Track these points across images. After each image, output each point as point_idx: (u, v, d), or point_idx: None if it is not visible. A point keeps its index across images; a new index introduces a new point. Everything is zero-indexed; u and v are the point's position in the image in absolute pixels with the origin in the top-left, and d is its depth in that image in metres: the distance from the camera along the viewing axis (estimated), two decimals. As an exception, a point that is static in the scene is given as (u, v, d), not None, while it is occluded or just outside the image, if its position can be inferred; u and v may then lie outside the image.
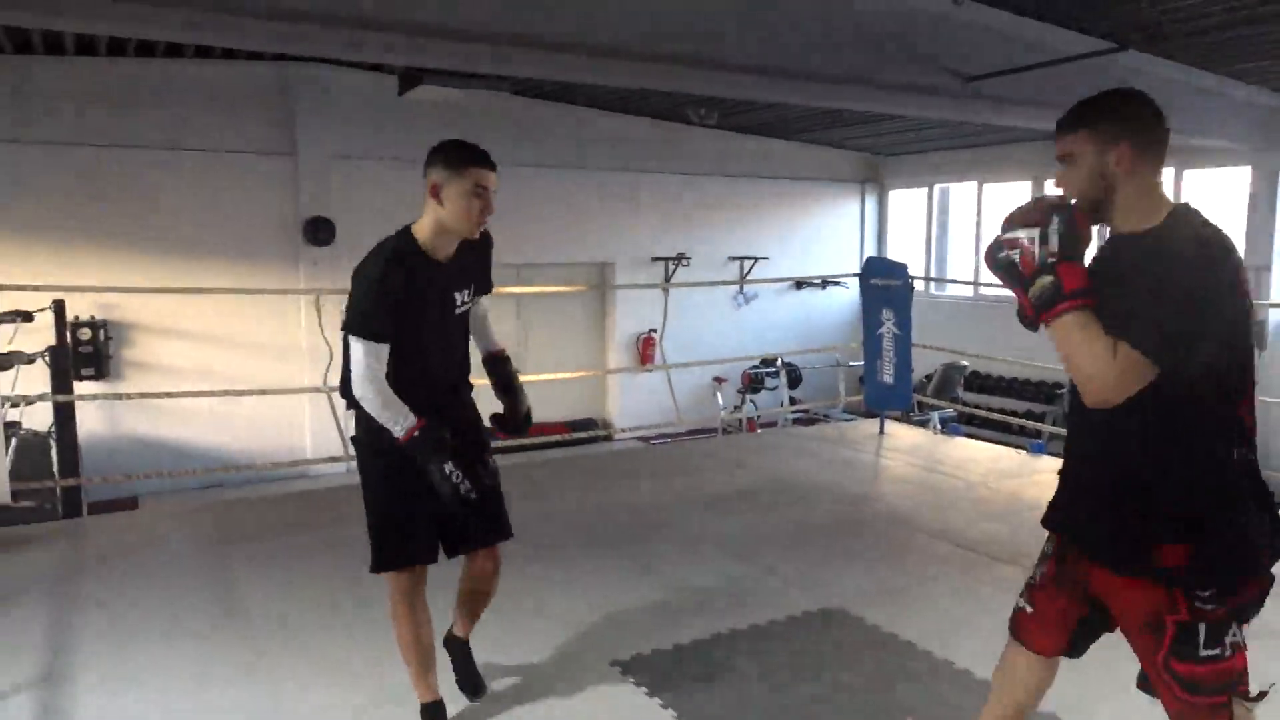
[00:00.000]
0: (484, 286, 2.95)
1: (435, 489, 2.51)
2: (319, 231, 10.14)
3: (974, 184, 13.17)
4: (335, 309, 10.91)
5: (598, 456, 8.20)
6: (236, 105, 9.84)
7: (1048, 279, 1.81)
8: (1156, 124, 1.93)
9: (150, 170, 9.52)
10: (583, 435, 9.51)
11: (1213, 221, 1.85)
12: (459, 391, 2.86)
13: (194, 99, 9.59)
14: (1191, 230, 1.81)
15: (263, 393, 5.45)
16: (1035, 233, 1.84)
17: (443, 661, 2.91)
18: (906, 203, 14.07)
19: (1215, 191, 10.68)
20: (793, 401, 11.90)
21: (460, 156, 2.64)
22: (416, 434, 2.50)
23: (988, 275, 10.71)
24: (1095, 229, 1.89)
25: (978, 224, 13.16)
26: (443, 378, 2.78)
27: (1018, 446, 7.50)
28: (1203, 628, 1.80)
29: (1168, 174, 10.84)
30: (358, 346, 2.53)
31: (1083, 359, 1.77)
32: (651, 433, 10.88)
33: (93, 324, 9.19)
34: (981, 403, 11.84)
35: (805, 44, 6.73)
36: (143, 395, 5.75)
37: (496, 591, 2.94)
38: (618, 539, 4.55)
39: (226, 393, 5.66)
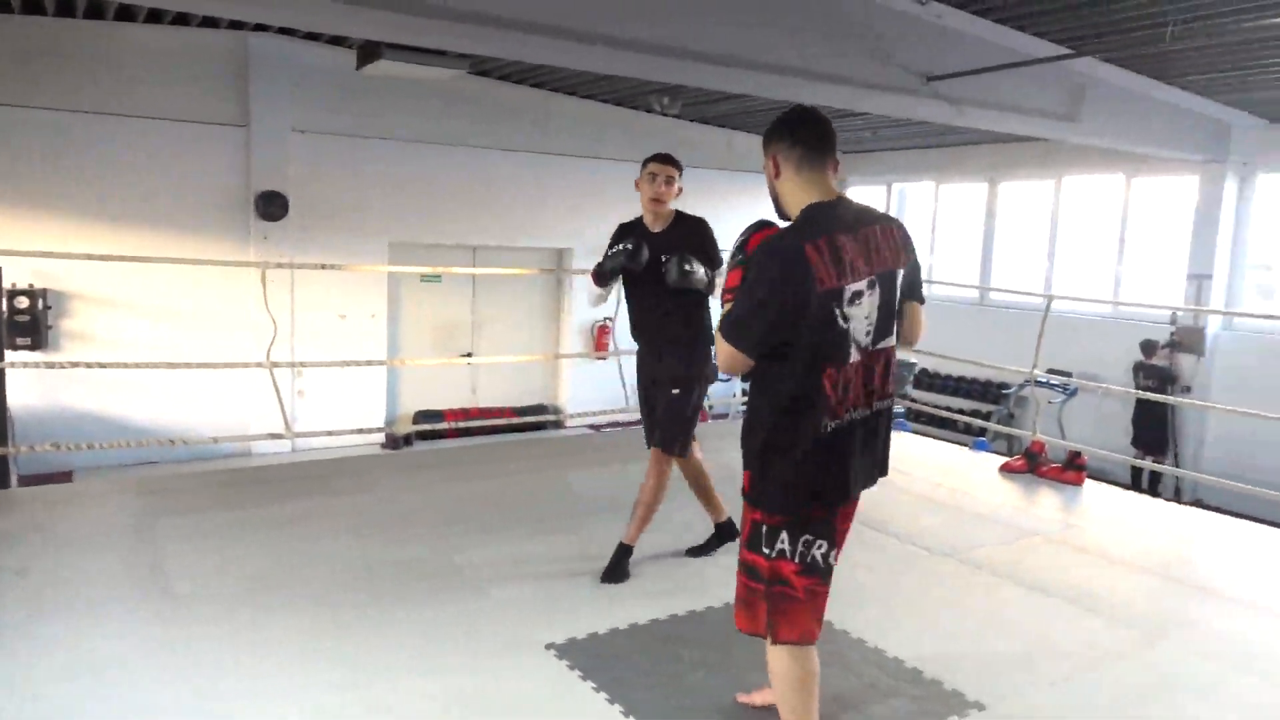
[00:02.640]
0: (700, 257, 3.79)
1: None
2: (271, 205, 9.95)
3: (931, 183, 13.33)
4: (284, 284, 10.78)
5: (546, 441, 8.17)
6: (189, 73, 9.60)
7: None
8: (801, 137, 2.32)
9: (96, 136, 9.25)
10: (532, 420, 9.46)
11: (821, 217, 2.25)
12: (663, 338, 3.96)
13: (145, 64, 9.34)
14: (786, 234, 2.27)
15: (198, 366, 5.33)
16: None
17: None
18: (864, 199, 14.15)
19: (1163, 200, 10.91)
20: (745, 393, 11.96)
21: (648, 157, 3.87)
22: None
23: (941, 274, 10.94)
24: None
25: (934, 222, 13.32)
26: (653, 322, 3.99)
27: (962, 444, 7.62)
28: (763, 529, 2.31)
29: (1117, 181, 11.09)
30: None
31: (717, 342, 2.32)
32: (602, 420, 10.89)
33: (30, 292, 8.92)
34: (930, 400, 12.00)
35: (770, 36, 6.74)
36: (73, 364, 5.57)
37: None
38: (561, 523, 4.53)
39: (158, 365, 5.53)
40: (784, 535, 2.29)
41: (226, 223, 9.95)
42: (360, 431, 6.03)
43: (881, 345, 2.32)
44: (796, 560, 2.29)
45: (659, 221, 3.91)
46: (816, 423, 2.23)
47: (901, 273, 2.36)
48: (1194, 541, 4.84)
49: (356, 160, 10.67)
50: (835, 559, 2.36)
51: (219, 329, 9.66)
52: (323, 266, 5.74)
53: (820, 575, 2.32)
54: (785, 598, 2.29)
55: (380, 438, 10.40)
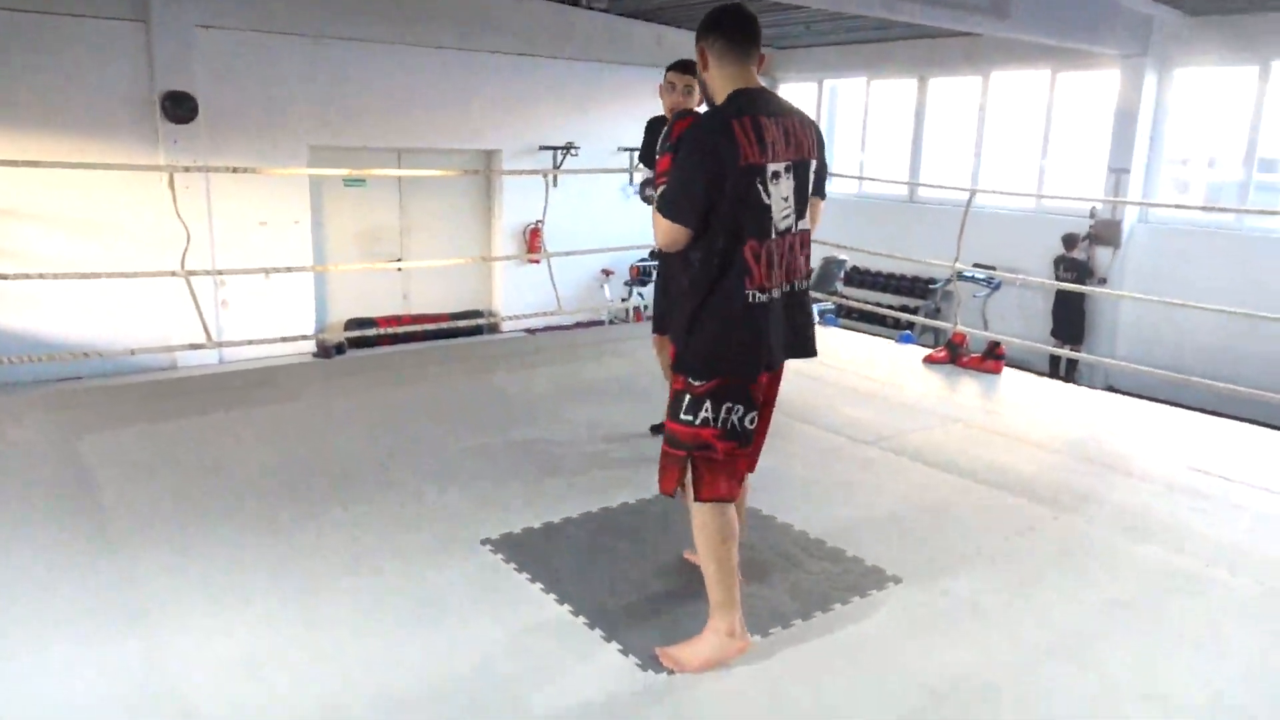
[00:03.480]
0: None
1: None
2: (179, 107, 9.43)
3: (863, 80, 13.24)
4: (200, 190, 10.33)
5: (481, 345, 8.13)
6: (79, -38, 8.92)
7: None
8: (727, 31, 2.45)
9: (-19, 31, 8.60)
10: (467, 324, 9.37)
11: (746, 100, 2.38)
12: None
13: (29, -47, 8.64)
14: (713, 111, 2.45)
15: (108, 276, 5.11)
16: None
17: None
18: (797, 97, 14.06)
19: (1086, 96, 11.04)
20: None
21: (669, 65, 3.79)
22: None
23: (871, 171, 10.96)
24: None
25: (865, 119, 13.30)
26: None
27: (890, 338, 7.80)
28: (686, 398, 2.46)
29: (1043, 77, 11.16)
30: None
31: (653, 219, 2.47)
32: (538, 323, 10.85)
33: (-77, 202, 8.41)
34: (860, 296, 12.21)
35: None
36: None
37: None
38: (495, 424, 4.56)
39: (68, 275, 5.28)
40: (707, 404, 2.44)
41: (133, 127, 9.42)
42: (288, 340, 5.89)
43: (800, 227, 2.51)
44: (717, 425, 2.45)
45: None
46: (740, 294, 2.38)
47: (814, 164, 2.53)
48: (1104, 424, 5.08)
49: (270, 59, 10.14)
50: (754, 423, 2.51)
51: (134, 239, 9.25)
52: (235, 170, 5.50)
53: (739, 440, 2.48)
54: (707, 460, 2.46)
55: (311, 346, 10.22)
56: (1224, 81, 10.05)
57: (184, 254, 5.13)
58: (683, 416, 2.48)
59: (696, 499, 2.48)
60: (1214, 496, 3.91)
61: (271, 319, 9.90)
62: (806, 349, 2.63)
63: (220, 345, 5.77)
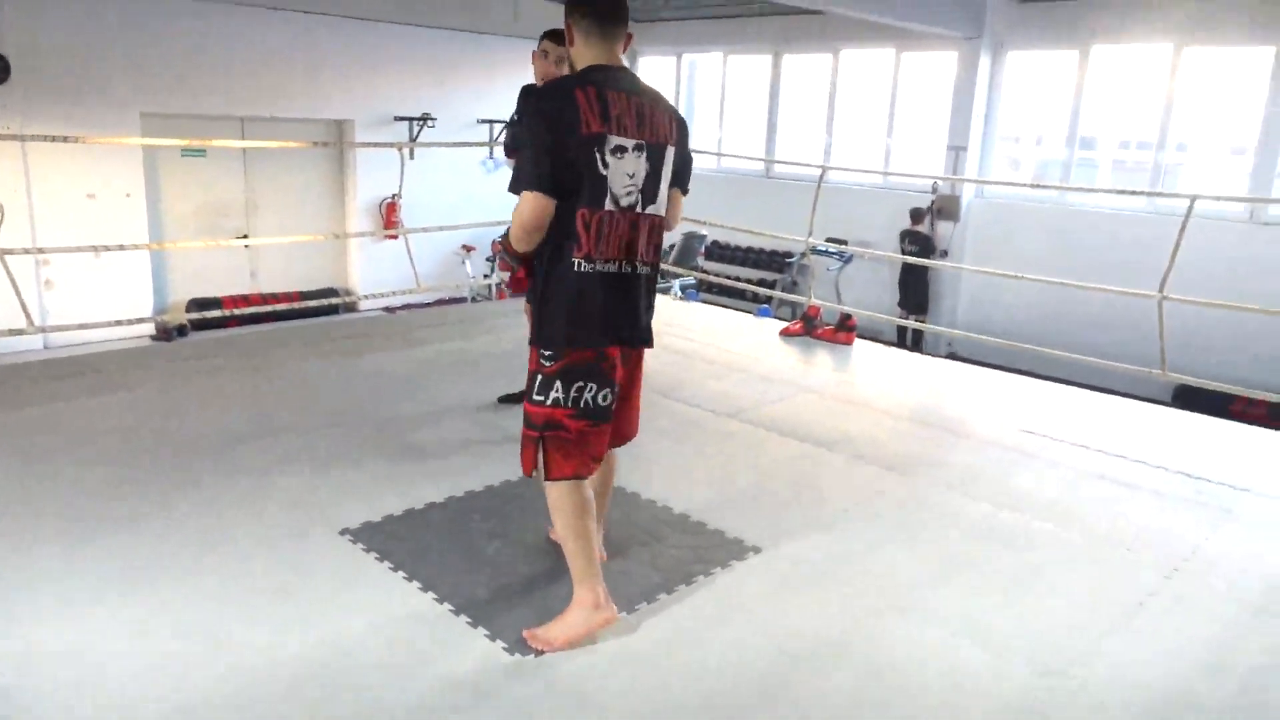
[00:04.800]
0: None
1: None
2: (-13, 68, 8.62)
3: (720, 54, 13.44)
4: (15, 159, 9.53)
5: (336, 325, 7.84)
6: None
7: None
8: (595, 7, 2.46)
9: None
10: (321, 304, 9.03)
11: (596, 73, 2.42)
12: None
13: None
14: (559, 79, 2.54)
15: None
16: None
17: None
18: (657, 71, 14.14)
19: (928, 75, 11.58)
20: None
21: (544, 33, 3.76)
22: None
23: (731, 147, 11.17)
24: None
25: (722, 95, 13.52)
26: None
27: (749, 312, 8.01)
28: (538, 378, 2.50)
29: (887, 55, 11.62)
30: None
31: (519, 205, 2.44)
32: (397, 301, 10.57)
33: None
34: (720, 271, 12.47)
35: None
36: None
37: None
38: (353, 407, 4.42)
39: None
40: (558, 383, 2.47)
41: (-68, 89, 8.56)
42: (121, 324, 5.50)
43: (648, 211, 2.51)
44: (569, 405, 2.48)
45: None
46: (568, 262, 2.42)
47: (673, 151, 2.55)
48: (945, 390, 5.40)
49: (93, 15, 9.38)
50: (609, 400, 2.53)
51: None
52: (54, 139, 5.06)
53: (592, 417, 2.51)
54: (558, 440, 2.49)
55: (149, 329, 9.60)
56: (1050, 64, 10.75)
57: (-3, 232, 4.71)
58: (535, 397, 2.51)
59: (546, 478, 2.51)
60: (1042, 456, 4.23)
61: (104, 300, 9.24)
62: (647, 340, 2.62)
63: (44, 330, 5.33)
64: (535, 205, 2.37)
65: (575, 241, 2.40)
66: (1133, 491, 3.86)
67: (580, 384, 2.47)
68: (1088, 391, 5.40)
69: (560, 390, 2.47)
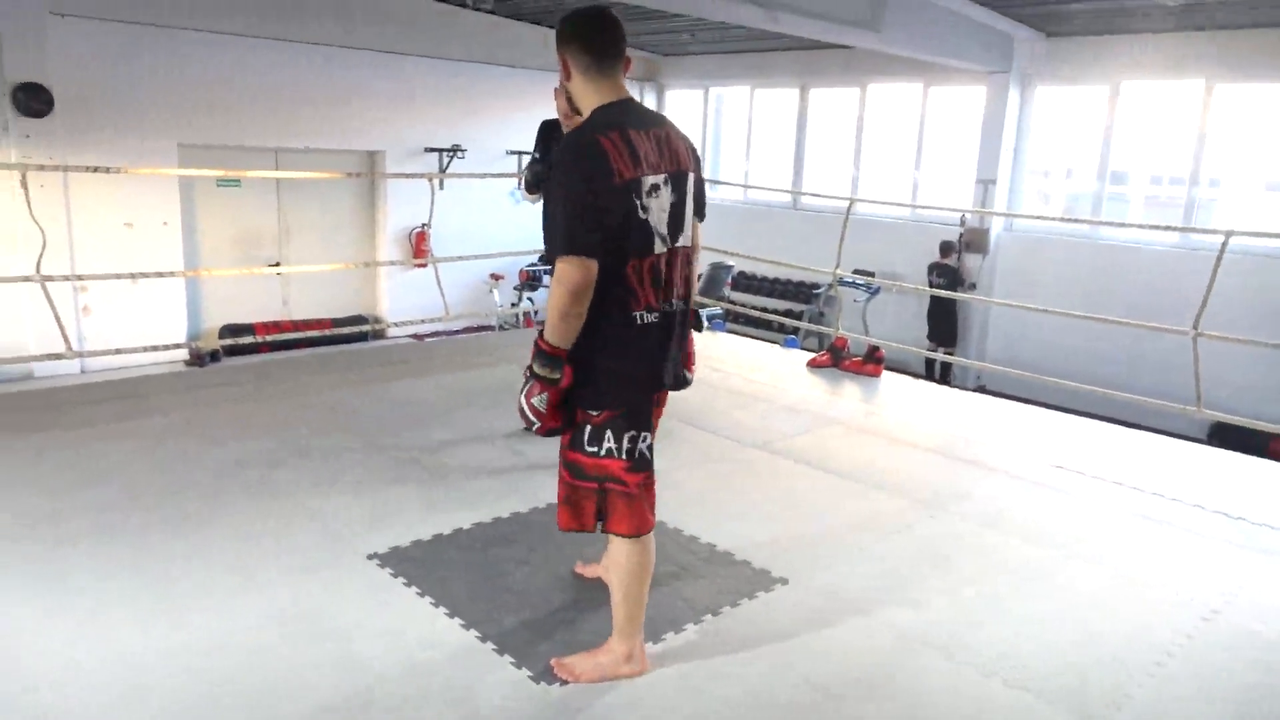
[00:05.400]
0: None
1: None
2: (33, 100, 8.84)
3: (746, 88, 13.54)
4: (57, 189, 9.74)
5: (366, 352, 7.91)
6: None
7: None
8: (590, 40, 2.33)
9: None
10: (351, 331, 9.12)
11: (613, 114, 2.29)
12: None
13: None
14: (579, 130, 2.30)
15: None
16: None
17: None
18: (684, 104, 14.27)
19: (957, 109, 11.59)
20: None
21: None
22: None
23: (757, 179, 11.18)
24: None
25: (749, 128, 13.60)
26: None
27: (775, 342, 8.00)
28: (587, 429, 2.34)
29: (916, 90, 11.65)
30: None
31: (559, 271, 2.23)
32: (425, 329, 10.66)
33: None
34: (746, 301, 12.47)
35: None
36: None
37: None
38: (381, 433, 4.45)
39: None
40: (609, 433, 2.33)
41: (-20, 120, 8.79)
42: (156, 349, 5.59)
43: (679, 244, 2.39)
44: (624, 457, 2.34)
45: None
46: (629, 317, 2.28)
47: (693, 177, 2.43)
48: (974, 424, 5.34)
49: (133, 51, 9.62)
50: (651, 446, 2.42)
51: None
52: (94, 169, 5.17)
53: (648, 468, 2.41)
54: (621, 495, 2.36)
55: (183, 355, 9.73)
56: (1079, 99, 10.73)
57: (39, 257, 4.81)
58: (587, 448, 2.35)
59: (607, 530, 2.40)
60: (1074, 492, 4.17)
61: (139, 326, 9.39)
62: (686, 376, 2.54)
63: (81, 355, 5.43)
64: (581, 269, 2.18)
65: (632, 295, 2.27)
66: (1169, 530, 3.79)
67: (634, 433, 2.35)
68: (1121, 427, 5.33)
69: (613, 440, 2.33)
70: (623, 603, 2.47)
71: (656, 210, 2.29)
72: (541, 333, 2.26)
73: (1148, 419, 6.65)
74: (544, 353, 2.24)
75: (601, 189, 2.19)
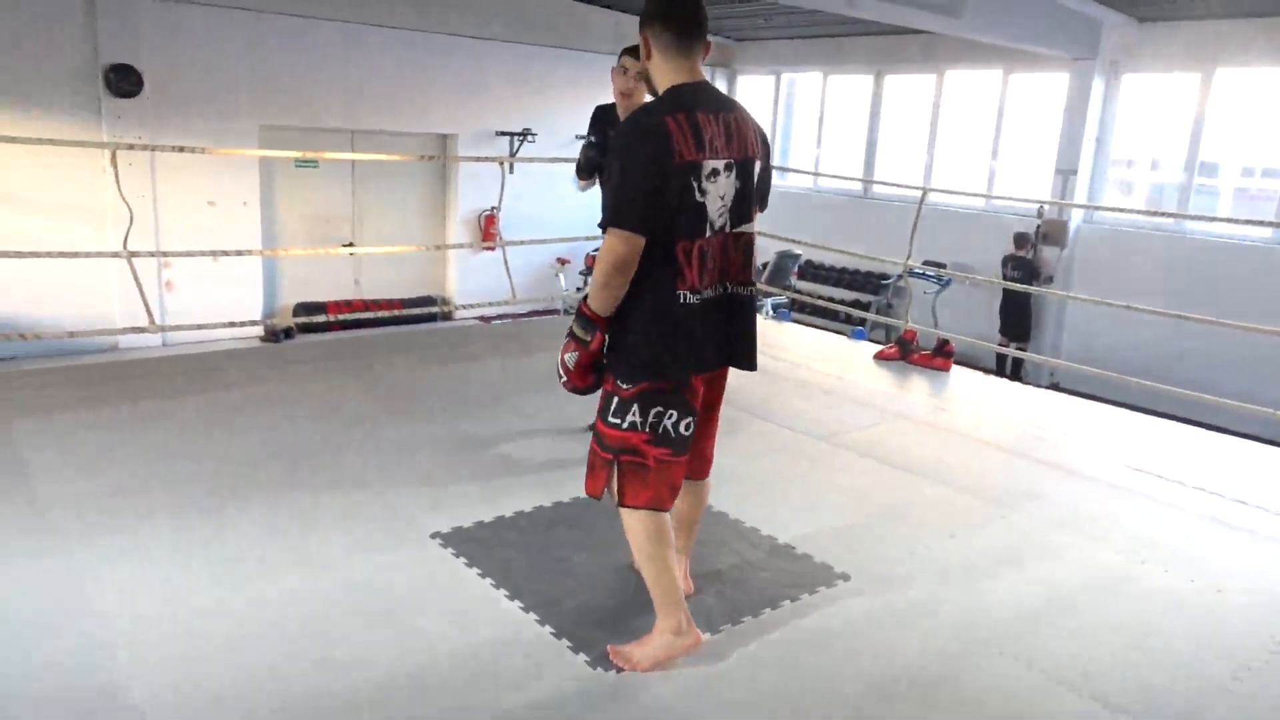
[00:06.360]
0: None
1: None
2: (123, 81, 9.16)
3: (819, 74, 13.33)
4: (144, 168, 10.06)
5: (433, 333, 8.04)
6: (17, -73, 8.60)
7: None
8: (672, 21, 2.34)
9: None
10: (419, 312, 9.27)
11: (684, 96, 2.30)
12: None
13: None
14: (647, 108, 2.35)
15: (48, 256, 4.96)
16: None
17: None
18: (755, 89, 14.11)
19: (1037, 96, 11.24)
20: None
21: (625, 49, 3.65)
22: None
23: (826, 166, 11.01)
24: None
25: (821, 115, 13.39)
26: None
27: (842, 333, 7.89)
28: (614, 400, 2.38)
29: (995, 76, 11.33)
30: None
31: (605, 243, 2.28)
32: (492, 311, 10.77)
33: None
34: (813, 291, 12.32)
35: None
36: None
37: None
38: (447, 414, 4.52)
39: (4, 254, 5.08)
40: (635, 407, 2.36)
41: (75, 100, 9.12)
42: (234, 325, 5.76)
43: (741, 229, 2.41)
44: (647, 430, 2.37)
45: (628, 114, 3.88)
46: (672, 295, 2.30)
47: (759, 165, 2.43)
48: (1048, 422, 5.20)
49: (220, 33, 9.89)
50: (690, 429, 2.42)
51: (74, 217, 8.98)
52: (180, 149, 5.33)
53: (672, 445, 2.40)
54: (635, 465, 2.38)
55: (258, 331, 10.02)
56: (1169, 87, 10.30)
57: (126, 234, 4.99)
58: (610, 419, 2.40)
59: (621, 504, 2.43)
60: (1151, 496, 4.03)
61: (217, 302, 9.68)
62: (744, 359, 2.53)
63: (163, 329, 5.62)
64: (628, 243, 2.23)
65: (679, 275, 2.30)
66: (1252, 540, 3.64)
67: (660, 409, 2.36)
68: (1203, 430, 5.12)
69: (638, 413, 2.36)
70: (651, 575, 2.46)
71: (715, 195, 2.31)
72: (586, 296, 2.34)
73: (1233, 423, 6.38)
74: (583, 315, 2.35)
75: (658, 169, 2.21)
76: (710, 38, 2.42)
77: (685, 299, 2.32)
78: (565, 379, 2.45)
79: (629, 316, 2.33)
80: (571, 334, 2.39)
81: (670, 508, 2.46)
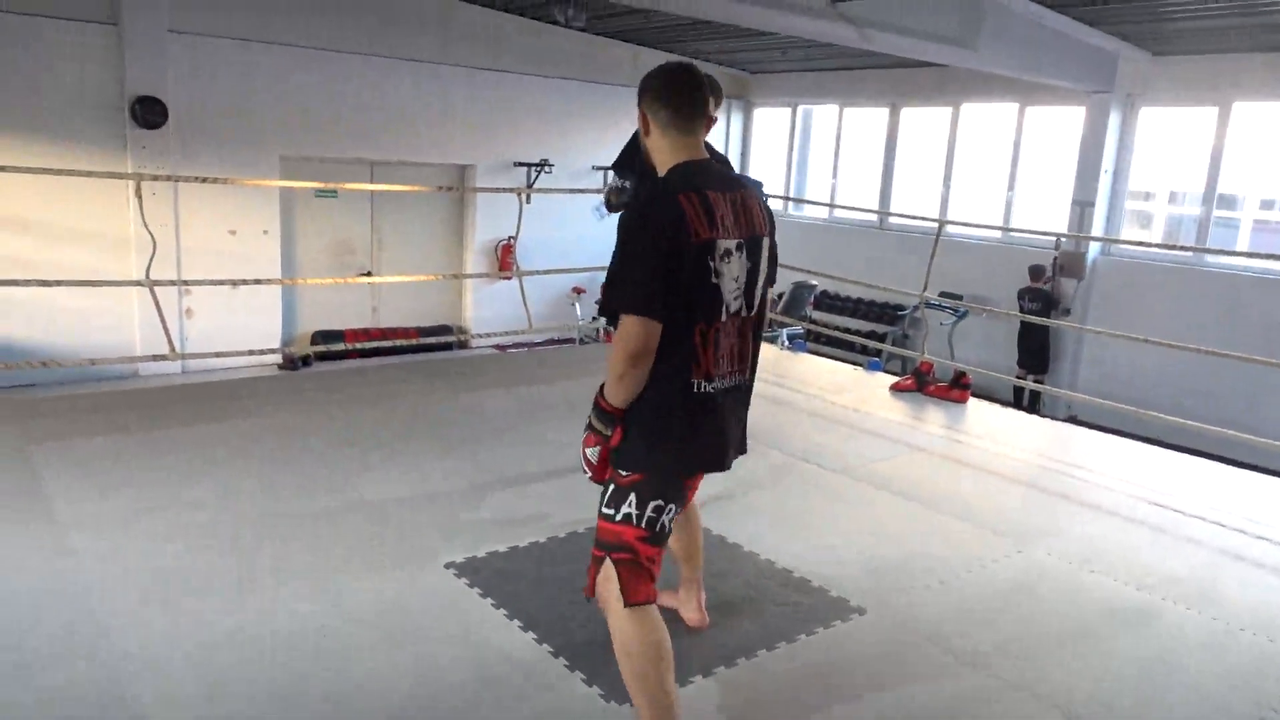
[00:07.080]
0: None
1: None
2: (149, 113, 9.32)
3: (835, 106, 13.41)
4: (167, 198, 10.19)
5: (450, 361, 8.08)
6: (50, -36, 8.81)
7: None
8: (672, 98, 2.23)
9: (-54, 30, 8.45)
10: (436, 340, 9.33)
11: (692, 174, 2.18)
12: None
13: (-2, -47, 8.52)
14: (657, 188, 2.20)
15: (72, 284, 5.04)
16: None
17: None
18: (771, 121, 14.21)
19: (1053, 129, 11.26)
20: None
21: None
22: None
23: (843, 198, 11.03)
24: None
25: (837, 146, 13.46)
26: None
27: (858, 364, 7.87)
28: (610, 487, 2.24)
29: (1011, 109, 11.36)
30: None
31: (620, 329, 2.13)
32: (508, 340, 10.82)
33: (-120, 201, 8.22)
34: (829, 321, 12.31)
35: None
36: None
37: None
38: (461, 443, 4.53)
39: (28, 282, 5.14)
40: (632, 497, 2.20)
41: (101, 131, 9.28)
42: (253, 353, 5.81)
43: (749, 313, 2.28)
44: (643, 526, 2.21)
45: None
46: (688, 382, 2.17)
47: (767, 242, 2.31)
48: (1065, 455, 5.15)
49: (243, 66, 10.07)
50: (672, 520, 2.29)
51: (97, 246, 9.11)
52: (203, 180, 5.42)
53: (661, 545, 2.26)
54: (627, 565, 2.21)
55: (276, 359, 10.10)
56: (1186, 119, 10.30)
57: (149, 263, 5.06)
58: (604, 509, 2.24)
59: (627, 603, 2.18)
60: (1172, 531, 3.98)
61: (237, 329, 9.78)
62: (742, 449, 2.40)
63: (184, 357, 5.68)
64: (644, 331, 2.07)
65: (694, 360, 2.15)
66: (1276, 577, 3.58)
67: (659, 502, 2.20)
68: (1224, 465, 5.07)
69: (634, 505, 2.19)
70: (644, 706, 2.16)
71: (728, 276, 2.17)
72: (603, 387, 2.20)
73: (1254, 458, 6.30)
74: (600, 408, 2.21)
75: (675, 249, 2.08)
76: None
77: (700, 387, 2.18)
78: (589, 474, 2.30)
79: (638, 401, 2.17)
80: (591, 427, 2.24)
81: (655, 600, 2.26)
